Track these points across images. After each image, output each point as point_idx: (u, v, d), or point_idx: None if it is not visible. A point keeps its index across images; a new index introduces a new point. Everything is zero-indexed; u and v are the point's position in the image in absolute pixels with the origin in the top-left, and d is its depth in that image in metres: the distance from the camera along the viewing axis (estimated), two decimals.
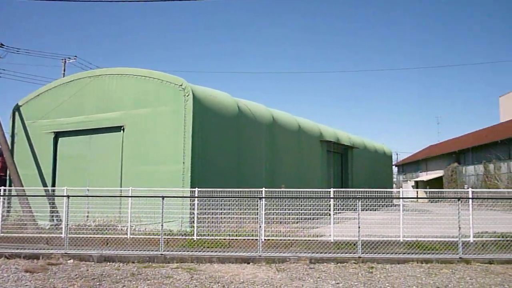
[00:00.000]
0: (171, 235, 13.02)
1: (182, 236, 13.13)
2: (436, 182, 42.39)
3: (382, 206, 21.74)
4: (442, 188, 38.07)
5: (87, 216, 14.79)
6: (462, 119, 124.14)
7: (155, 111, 15.88)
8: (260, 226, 11.30)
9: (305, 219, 14.18)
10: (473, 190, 15.71)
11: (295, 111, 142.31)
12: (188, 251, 11.29)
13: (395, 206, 19.01)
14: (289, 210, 13.44)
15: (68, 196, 11.75)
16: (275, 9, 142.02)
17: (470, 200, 13.65)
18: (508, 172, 29.95)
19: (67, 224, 11.60)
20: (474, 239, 12.67)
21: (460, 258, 10.51)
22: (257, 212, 11.54)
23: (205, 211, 13.21)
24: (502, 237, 12.76)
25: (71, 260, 10.62)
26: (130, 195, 14.07)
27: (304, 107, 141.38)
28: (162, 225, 11.20)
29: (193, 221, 13.35)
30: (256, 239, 11.24)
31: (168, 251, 11.10)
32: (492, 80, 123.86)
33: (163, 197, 11.29)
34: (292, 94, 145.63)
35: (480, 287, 8.02)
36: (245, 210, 12.97)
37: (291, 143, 21.58)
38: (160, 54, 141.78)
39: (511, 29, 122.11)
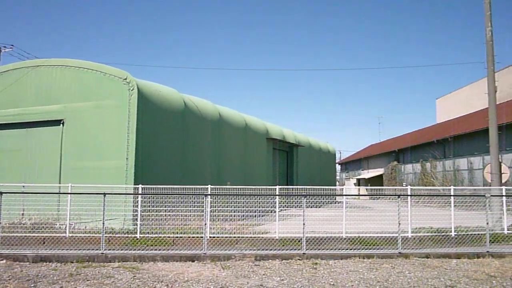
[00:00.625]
0: (113, 233, 12.61)
1: (125, 234, 12.75)
2: (377, 180, 43.89)
3: (326, 203, 22.18)
4: (383, 186, 39.48)
5: (23, 214, 14.03)
6: (402, 119, 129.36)
7: (98, 105, 15.32)
8: (205, 224, 11.17)
9: (250, 216, 14.20)
10: (411, 187, 16.38)
11: (242, 108, 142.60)
12: (130, 250, 10.96)
13: (338, 203, 19.44)
14: (234, 207, 13.40)
15: (1, 193, 11.07)
16: (226, 4, 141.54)
17: (409, 197, 14.21)
18: (443, 171, 31.49)
19: (0, 223, 10.93)
20: (412, 234, 13.21)
21: (399, 253, 10.88)
22: (203, 209, 11.40)
23: (149, 208, 12.89)
24: (438, 232, 13.39)
25: (4, 261, 10.01)
26: (69, 191, 13.48)
27: (251, 105, 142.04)
28: (103, 223, 10.79)
29: (137, 219, 13.00)
30: (201, 237, 11.09)
31: (109, 249, 10.72)
32: (431, 83, 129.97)
33: (104, 194, 10.89)
34: (239, 91, 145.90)
35: (418, 281, 8.32)
36: (191, 207, 12.78)
37: (237, 140, 21.55)
38: (105, 47, 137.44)
39: (448, 34, 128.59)
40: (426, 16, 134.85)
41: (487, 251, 11.03)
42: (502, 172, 16.13)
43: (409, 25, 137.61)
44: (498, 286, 7.95)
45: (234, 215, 13.62)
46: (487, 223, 11.73)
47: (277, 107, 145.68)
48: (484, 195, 12.64)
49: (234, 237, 12.61)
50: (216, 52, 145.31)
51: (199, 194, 12.55)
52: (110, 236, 12.06)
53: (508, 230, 13.92)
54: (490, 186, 15.71)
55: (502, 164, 16.60)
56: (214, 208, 13.17)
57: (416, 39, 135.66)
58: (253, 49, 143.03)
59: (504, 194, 15.18)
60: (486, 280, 8.40)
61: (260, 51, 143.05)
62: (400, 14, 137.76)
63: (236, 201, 13.50)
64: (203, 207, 11.45)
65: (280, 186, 14.25)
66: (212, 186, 13.56)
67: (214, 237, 12.56)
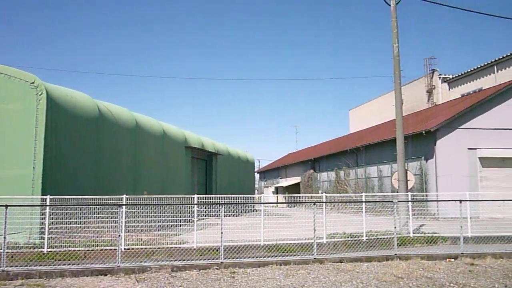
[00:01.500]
0: (17, 248, 11.68)
1: (31, 249, 11.85)
2: (294, 188, 45.01)
3: (245, 212, 22.30)
4: (300, 193, 40.52)
5: None
6: (318, 129, 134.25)
7: (1, 109, 14.18)
8: (119, 235, 10.70)
9: (168, 226, 13.86)
10: (326, 194, 16.94)
11: (159, 116, 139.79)
12: (36, 266, 10.20)
13: (257, 211, 19.62)
14: (151, 217, 13.01)
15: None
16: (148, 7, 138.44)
17: (324, 204, 14.67)
18: (355, 178, 33.03)
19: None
20: (327, 240, 13.63)
21: (315, 258, 11.16)
22: (117, 220, 10.92)
23: (58, 220, 12.10)
24: (351, 237, 13.94)
25: None
26: None
27: (169, 113, 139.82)
28: (5, 238, 9.95)
29: (44, 232, 12.14)
30: (115, 249, 10.60)
31: (12, 266, 9.90)
32: (345, 94, 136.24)
33: (6, 206, 10.05)
34: (158, 99, 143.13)
35: (332, 285, 8.56)
36: (104, 218, 12.19)
37: (155, 149, 21.03)
38: (15, 49, 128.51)
39: (364, 47, 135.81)
40: (343, 29, 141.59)
41: (395, 254, 11.66)
42: (408, 179, 17.22)
43: (325, 36, 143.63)
44: (405, 286, 8.40)
45: (151, 225, 13.23)
46: (395, 227, 12.42)
47: (195, 115, 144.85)
48: (392, 201, 13.40)
49: (151, 248, 12.21)
50: (130, 56, 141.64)
51: (113, 205, 12.03)
52: (13, 252, 11.16)
53: (413, 233, 14.84)
54: (397, 192, 16.69)
55: (408, 171, 17.73)
56: (130, 219, 12.68)
57: (326, 52, 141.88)
58: (173, 55, 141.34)
59: (410, 199, 16.21)
60: (394, 281, 8.85)
61: (180, 57, 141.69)
62: (316, 26, 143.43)
63: (153, 211, 13.11)
64: (117, 218, 10.97)
65: (199, 195, 14.08)
66: (127, 196, 13.05)
67: (129, 249, 12.08)
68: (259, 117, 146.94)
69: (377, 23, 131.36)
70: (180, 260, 10.92)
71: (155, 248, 12.21)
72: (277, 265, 10.64)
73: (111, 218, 11.81)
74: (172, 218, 13.41)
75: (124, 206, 11.84)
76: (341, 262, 11.07)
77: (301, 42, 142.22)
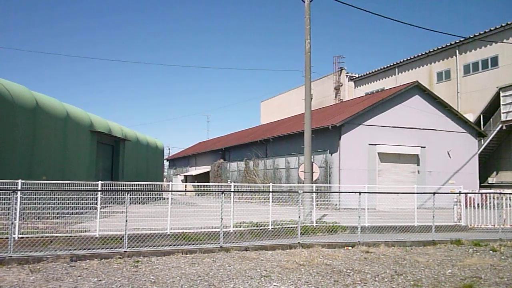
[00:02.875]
0: None
1: None
2: (204, 177, 44.90)
3: (153, 200, 21.84)
4: (209, 182, 40.52)
5: None
6: (230, 118, 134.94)
7: None
8: (12, 223, 9.92)
9: (69, 214, 13.14)
10: (235, 184, 17.10)
11: (63, 97, 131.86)
12: None
13: (164, 199, 19.29)
14: (50, 204, 12.22)
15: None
16: None
17: (232, 193, 14.80)
18: (264, 169, 33.73)
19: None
20: (234, 229, 13.77)
21: (221, 247, 11.23)
22: (10, 207, 10.10)
23: None
24: (257, 226, 14.23)
25: None
26: None
27: (74, 94, 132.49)
28: None
29: None
30: (8, 238, 9.82)
31: None
32: (257, 86, 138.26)
33: None
34: (62, 80, 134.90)
35: (236, 273, 8.67)
36: None
37: (57, 132, 19.76)
38: None
39: (273, 42, 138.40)
40: (258, 22, 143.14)
41: (298, 242, 12.10)
42: (314, 171, 17.93)
43: (240, 27, 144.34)
44: (305, 273, 8.74)
45: (50, 212, 12.44)
46: (299, 217, 12.88)
47: (103, 99, 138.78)
48: (297, 192, 13.86)
49: (48, 237, 11.49)
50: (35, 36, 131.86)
51: (6, 190, 11.11)
52: None
53: (316, 223, 15.50)
54: (303, 183, 17.30)
55: (314, 164, 18.45)
56: (26, 206, 11.80)
57: (248, 43, 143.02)
58: (82, 37, 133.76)
59: (314, 190, 16.89)
60: (296, 268, 9.18)
61: (87, 40, 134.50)
62: (236, 17, 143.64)
63: (53, 197, 12.32)
64: (10, 204, 10.14)
65: (103, 182, 13.48)
66: (23, 181, 12.11)
67: (24, 237, 11.25)
68: (170, 105, 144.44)
69: (292, 19, 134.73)
70: (80, 249, 10.41)
71: (53, 236, 11.50)
72: (182, 254, 10.55)
73: (3, 204, 10.90)
74: (74, 206, 12.72)
75: (19, 192, 10.98)
76: (247, 251, 11.25)
77: (215, 32, 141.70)
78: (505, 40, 32.93)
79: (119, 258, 9.96)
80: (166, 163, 61.17)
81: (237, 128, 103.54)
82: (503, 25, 33.45)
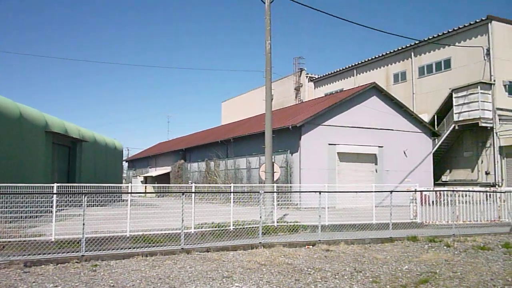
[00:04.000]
0: None
1: None
2: (164, 178, 44.35)
3: (111, 202, 21.36)
4: (169, 184, 40.06)
5: None
6: (191, 119, 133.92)
7: None
8: None
9: (23, 218, 12.65)
10: (196, 185, 16.98)
11: (16, 97, 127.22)
12: None
13: (124, 201, 18.91)
14: (2, 208, 11.74)
15: None
16: None
17: (193, 194, 14.68)
18: (225, 169, 33.65)
19: None
20: (195, 230, 13.66)
21: (182, 248, 11.11)
22: None
23: None
24: (218, 227, 14.17)
25: None
26: None
27: (28, 95, 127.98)
28: None
29: None
30: None
31: None
32: (218, 86, 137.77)
33: None
34: (15, 79, 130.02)
35: (198, 274, 8.60)
36: None
37: (9, 133, 19.00)
38: None
39: (233, 41, 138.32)
40: (220, 22, 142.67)
41: (260, 242, 12.13)
42: (275, 171, 18.04)
43: (201, 27, 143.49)
44: (267, 273, 8.78)
45: (2, 216, 11.94)
46: (261, 217, 12.93)
47: (59, 99, 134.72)
48: (259, 192, 13.91)
49: (0, 242, 11.02)
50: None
51: None
52: None
53: (277, 222, 15.59)
54: (264, 183, 17.37)
55: (274, 164, 18.56)
56: None
57: (208, 43, 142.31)
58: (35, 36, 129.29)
59: (275, 190, 16.99)
60: (258, 268, 9.21)
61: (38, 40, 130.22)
62: (197, 18, 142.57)
63: (5, 200, 11.83)
64: None
65: (59, 184, 13.06)
66: None
67: None
68: (129, 105, 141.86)
69: (252, 19, 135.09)
70: (35, 254, 10.04)
71: (5, 242, 11.05)
72: (143, 256, 10.37)
73: None
74: (28, 209, 12.25)
75: None
76: (208, 252, 11.18)
77: (176, 32, 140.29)
78: (457, 44, 34.23)
79: (76, 262, 9.69)
80: (125, 164, 60.05)
81: (198, 129, 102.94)
82: (455, 29, 34.76)
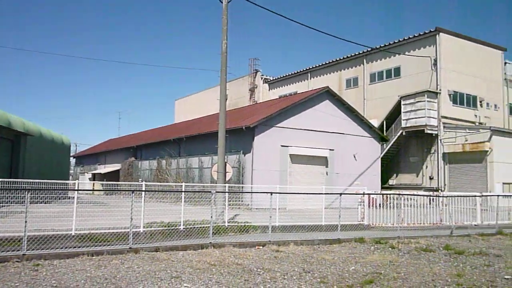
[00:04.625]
0: None
1: None
2: (114, 175, 43.23)
3: (57, 199, 20.60)
4: (119, 181, 39.12)
5: None
6: (144, 116, 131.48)
7: None
8: None
9: None
10: (146, 183, 16.67)
11: None
12: None
13: (70, 198, 18.28)
14: None
15: None
16: None
17: (143, 192, 14.41)
18: (177, 168, 33.25)
19: None
20: (144, 229, 13.40)
21: (130, 248, 10.86)
22: None
23: None
24: (168, 226, 13.97)
25: None
26: None
27: None
28: None
29: None
30: None
31: None
32: (172, 84, 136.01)
33: None
34: None
35: (146, 274, 8.44)
36: None
37: None
38: None
39: (188, 39, 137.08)
40: (174, 21, 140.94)
41: (210, 242, 12.06)
42: (227, 171, 18.01)
43: (159, 24, 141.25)
44: (217, 273, 8.74)
45: None
46: (212, 217, 12.85)
47: (3, 91, 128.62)
48: (210, 191, 13.83)
49: None
50: None
51: None
52: None
53: (228, 222, 15.57)
54: (216, 183, 17.30)
55: (227, 164, 18.53)
56: None
57: (163, 40, 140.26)
58: None
59: (227, 190, 16.97)
60: (208, 268, 9.15)
61: None
62: (153, 15, 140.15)
63: None
64: None
65: (1, 179, 12.46)
66: None
67: None
68: (79, 100, 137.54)
69: (209, 19, 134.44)
70: None
71: None
72: (88, 256, 10.05)
73: None
74: None
75: None
76: (157, 251, 11.00)
77: (131, 28, 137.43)
78: (406, 53, 35.52)
79: (17, 261, 9.26)
80: (73, 161, 58.08)
81: (150, 126, 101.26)
82: (406, 38, 36.09)
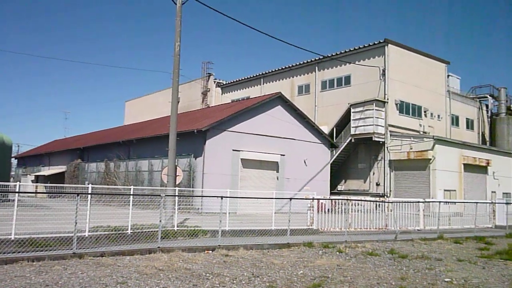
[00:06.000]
0: None
1: None
2: (59, 177, 41.62)
3: None
4: (64, 184, 37.70)
5: None
6: (92, 117, 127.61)
7: None
8: None
9: None
10: (93, 186, 16.14)
11: None
12: None
13: (10, 201, 17.41)
14: None
15: None
16: None
17: (89, 195, 13.93)
18: (126, 171, 32.45)
19: None
20: (90, 233, 12.95)
21: (73, 253, 10.45)
22: None
23: None
24: (115, 230, 13.57)
25: None
26: None
27: None
28: None
29: None
30: None
31: None
32: (123, 85, 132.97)
33: None
34: None
35: (90, 280, 8.14)
36: None
37: None
38: None
39: (141, 40, 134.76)
40: (126, 21, 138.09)
41: (158, 247, 11.82)
42: (177, 174, 17.76)
43: (110, 25, 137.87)
44: (164, 278, 8.57)
45: None
46: (160, 221, 12.62)
47: None
48: (160, 195, 13.58)
49: None
50: None
51: None
52: None
53: (178, 227, 15.33)
54: (166, 186, 17.02)
55: (177, 167, 18.28)
56: None
57: (114, 40, 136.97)
58: None
59: (177, 194, 16.73)
60: (155, 273, 8.95)
61: None
62: (105, 14, 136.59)
63: None
64: None
65: None
66: None
67: None
68: (22, 98, 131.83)
69: (163, 20, 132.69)
70: None
71: None
72: (29, 261, 9.59)
73: None
74: None
75: None
76: (103, 256, 10.65)
77: (80, 26, 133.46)
78: (357, 62, 36.56)
79: None
80: (14, 162, 55.46)
81: (99, 128, 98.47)
82: (356, 48, 37.14)
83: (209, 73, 52.43)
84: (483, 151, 37.40)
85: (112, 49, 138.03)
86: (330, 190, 32.99)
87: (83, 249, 10.91)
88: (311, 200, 17.97)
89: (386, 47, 35.16)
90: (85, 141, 44.34)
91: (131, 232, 13.63)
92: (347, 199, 18.62)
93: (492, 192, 36.74)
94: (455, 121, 42.25)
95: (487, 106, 47.45)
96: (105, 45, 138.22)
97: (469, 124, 44.70)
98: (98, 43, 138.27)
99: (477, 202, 21.74)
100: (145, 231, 13.76)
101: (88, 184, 16.42)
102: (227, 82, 51.99)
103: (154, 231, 13.38)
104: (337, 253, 12.76)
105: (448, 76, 41.81)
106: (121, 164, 33.26)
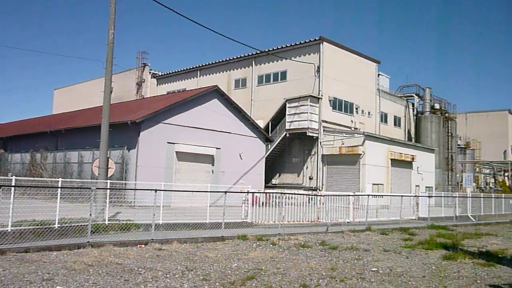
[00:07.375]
0: None
1: None
2: None
3: None
4: None
5: None
6: (17, 105, 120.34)
7: None
8: None
9: None
10: (16, 178, 15.24)
11: None
12: None
13: None
14: None
15: None
16: None
17: (12, 188, 13.15)
18: (53, 162, 30.95)
19: None
20: (13, 228, 12.24)
21: None
22: None
23: None
24: (41, 225, 12.91)
25: None
26: None
27: None
28: None
29: None
30: None
31: None
32: (51, 72, 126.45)
33: None
34: None
35: (13, 278, 7.71)
36: None
37: None
38: None
39: (72, 26, 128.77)
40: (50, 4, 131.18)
41: (88, 242, 11.42)
42: (109, 166, 17.19)
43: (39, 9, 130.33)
44: (94, 274, 8.29)
45: None
46: (90, 215, 12.18)
47: None
48: (90, 188, 13.09)
49: None
50: None
51: None
52: None
53: (109, 220, 14.86)
54: (97, 179, 16.43)
55: (109, 159, 17.70)
56: None
57: (42, 25, 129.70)
58: None
59: (108, 187, 16.20)
60: (84, 269, 8.64)
61: None
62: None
63: None
64: None
65: None
66: None
67: None
68: None
69: (96, 7, 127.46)
70: None
71: None
72: None
73: None
74: None
75: None
76: (27, 252, 10.12)
77: (7, 9, 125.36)
78: (293, 58, 37.16)
79: None
80: None
81: (24, 116, 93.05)
82: (292, 44, 37.75)
83: (144, 63, 51.16)
84: (409, 147, 39.44)
85: (40, 34, 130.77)
86: (265, 184, 33.41)
87: (5, 245, 10.31)
88: (246, 193, 18.11)
89: (321, 44, 36.04)
90: (9, 130, 41.77)
91: (58, 227, 13.03)
92: (281, 193, 18.94)
93: (416, 186, 38.89)
94: (384, 118, 44.21)
95: (413, 104, 50.11)
96: (33, 30, 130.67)
97: (397, 122, 46.99)
98: (27, 28, 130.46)
99: (402, 196, 22.97)
100: (74, 225, 13.22)
101: (12, 176, 15.51)
102: (163, 74, 51.00)
103: (84, 225, 12.90)
104: (271, 245, 12.96)
105: (379, 75, 43.64)
106: (48, 155, 31.68)
